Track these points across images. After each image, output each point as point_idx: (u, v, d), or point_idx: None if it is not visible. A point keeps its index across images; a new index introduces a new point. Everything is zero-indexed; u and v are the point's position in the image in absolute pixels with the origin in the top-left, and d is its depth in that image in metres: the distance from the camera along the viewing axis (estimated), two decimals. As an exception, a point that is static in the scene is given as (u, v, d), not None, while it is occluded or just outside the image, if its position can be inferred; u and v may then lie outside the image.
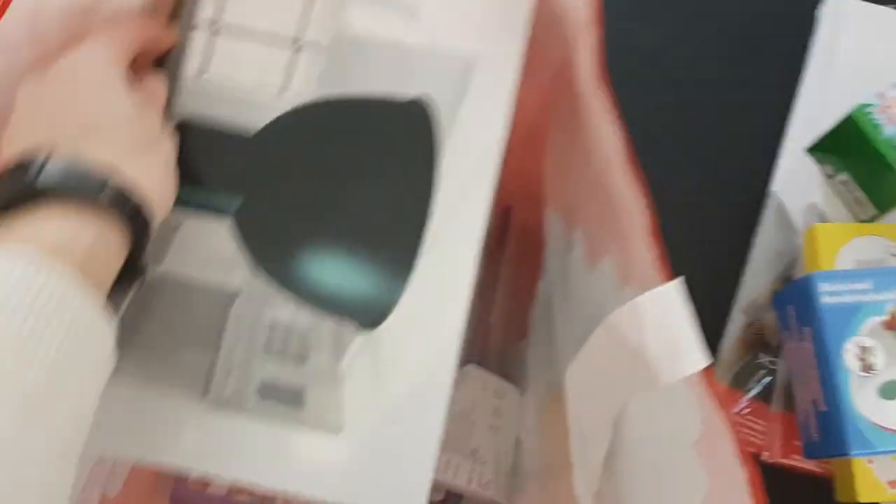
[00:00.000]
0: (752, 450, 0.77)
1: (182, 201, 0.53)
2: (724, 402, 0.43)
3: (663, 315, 0.44)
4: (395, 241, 0.53)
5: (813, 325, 0.73)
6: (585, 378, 0.55)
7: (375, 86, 0.55)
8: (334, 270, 0.53)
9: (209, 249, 0.53)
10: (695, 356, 0.42)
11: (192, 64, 0.56)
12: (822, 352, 0.72)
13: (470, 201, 0.54)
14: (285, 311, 0.52)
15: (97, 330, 0.42)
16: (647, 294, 0.44)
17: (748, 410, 0.79)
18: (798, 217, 0.83)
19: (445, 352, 0.52)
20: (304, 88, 0.55)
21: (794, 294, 0.77)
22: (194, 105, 0.55)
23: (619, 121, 0.50)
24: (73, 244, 0.42)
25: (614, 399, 0.53)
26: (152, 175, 0.48)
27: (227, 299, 0.52)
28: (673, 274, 0.45)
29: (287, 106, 0.55)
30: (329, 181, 0.54)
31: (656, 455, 0.52)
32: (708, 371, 0.43)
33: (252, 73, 0.55)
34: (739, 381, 0.80)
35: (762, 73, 0.89)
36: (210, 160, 0.54)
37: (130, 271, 0.47)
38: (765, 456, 0.77)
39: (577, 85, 0.57)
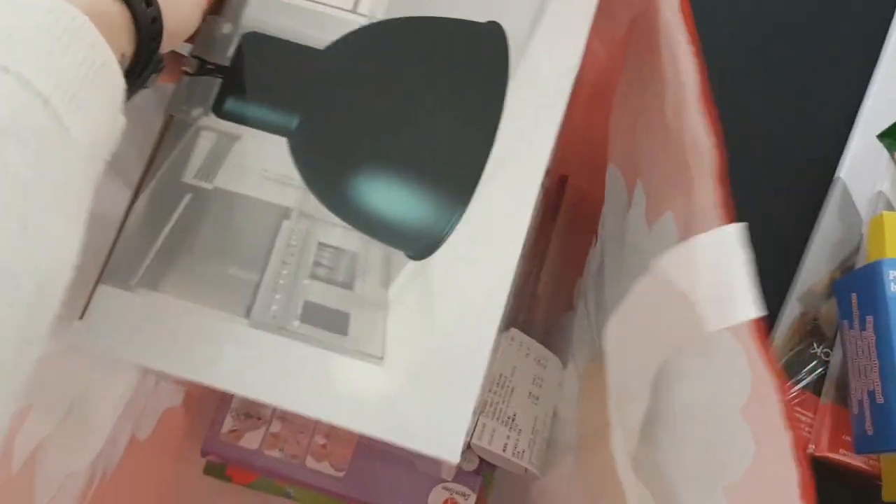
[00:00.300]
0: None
1: (240, 116, 0.52)
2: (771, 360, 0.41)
3: (719, 258, 0.42)
4: (455, 169, 0.51)
5: (877, 314, 0.71)
6: (627, 332, 0.54)
7: (448, 7, 0.53)
8: (388, 196, 0.51)
9: (263, 167, 0.52)
10: (749, 304, 0.40)
11: None
12: (884, 341, 0.69)
13: (535, 135, 0.52)
14: (336, 232, 0.51)
15: (114, 71, 0.41)
16: (704, 234, 0.43)
17: (797, 401, 0.77)
18: (863, 205, 0.80)
19: (496, 288, 0.50)
20: (374, 7, 0.54)
21: (859, 281, 0.74)
22: (261, 18, 0.54)
23: (699, 53, 0.48)
24: (95, 17, 0.41)
25: (655, 354, 0.52)
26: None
27: (278, 218, 0.51)
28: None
29: (356, 24, 0.54)
30: (390, 104, 0.52)
31: (701, 422, 0.50)
32: (760, 325, 0.41)
33: None
34: (790, 371, 0.77)
35: (838, 53, 0.87)
36: (273, 75, 0.53)
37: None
38: (811, 449, 0.75)
39: (659, 18, 0.54)
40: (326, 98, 0.52)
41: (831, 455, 0.74)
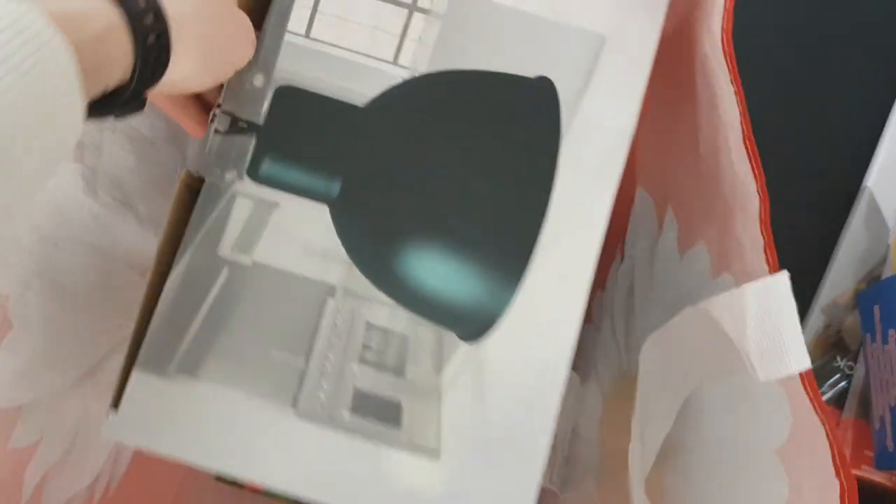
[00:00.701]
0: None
1: (277, 181, 0.49)
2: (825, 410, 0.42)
3: (767, 308, 0.41)
4: (508, 240, 0.48)
5: None
6: (662, 356, 0.53)
7: (494, 59, 0.50)
8: (438, 271, 0.48)
9: (305, 238, 0.48)
10: (798, 357, 0.40)
11: (296, 20, 0.50)
12: (906, 356, 0.67)
13: (590, 202, 0.49)
14: (383, 312, 0.48)
15: (68, 80, 0.34)
16: (752, 284, 0.41)
17: None
18: (891, 215, 0.78)
19: (554, 368, 0.48)
20: (417, 58, 0.50)
21: (882, 294, 0.73)
22: (294, 69, 0.50)
23: (741, 93, 0.46)
24: (78, 30, 0.35)
25: (687, 383, 0.51)
26: (204, 31, 0.43)
27: (323, 296, 0.48)
28: (780, 265, 0.43)
29: (398, 77, 0.50)
30: (437, 167, 0.49)
31: (734, 458, 0.50)
32: (809, 375, 0.41)
33: (360, 38, 0.50)
34: None
35: (866, 62, 0.84)
36: (310, 135, 0.49)
37: (116, 97, 0.40)
38: None
39: (698, 51, 0.53)
40: (369, 161, 0.49)
41: (853, 471, 0.73)
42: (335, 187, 0.48)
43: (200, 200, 0.49)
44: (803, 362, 0.40)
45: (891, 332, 0.70)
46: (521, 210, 0.48)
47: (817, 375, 0.75)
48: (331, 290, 0.48)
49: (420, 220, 0.48)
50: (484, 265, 0.48)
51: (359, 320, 0.48)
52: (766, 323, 0.41)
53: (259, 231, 0.48)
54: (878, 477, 0.73)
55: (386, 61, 0.50)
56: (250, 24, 0.47)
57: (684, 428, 0.54)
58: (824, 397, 0.75)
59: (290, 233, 0.48)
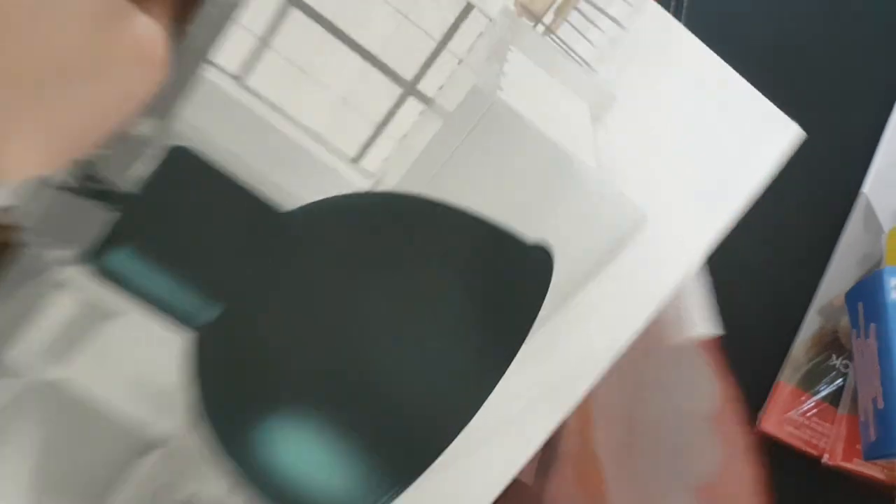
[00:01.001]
0: (813, 452, 0.77)
1: (129, 281, 0.34)
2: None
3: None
4: (413, 442, 0.35)
5: (879, 322, 0.72)
6: None
7: (495, 193, 0.36)
8: (313, 456, 0.35)
9: (141, 370, 0.35)
10: (702, 323, 0.42)
11: (230, 51, 0.33)
12: (885, 348, 0.71)
13: (529, 421, 0.38)
14: (212, 490, 0.36)
15: None
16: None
17: (814, 412, 0.77)
18: (887, 220, 0.81)
19: None
20: (388, 165, 0.35)
21: (865, 290, 0.75)
22: (209, 125, 0.34)
23: None
24: None
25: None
26: (55, 119, 0.27)
27: (138, 449, 0.35)
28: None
29: (351, 184, 0.35)
30: (364, 326, 0.34)
31: (675, 428, 0.53)
32: (716, 342, 0.46)
33: (320, 107, 0.34)
34: (809, 382, 0.79)
35: (864, 67, 0.84)
36: (203, 230, 0.34)
37: None
38: (825, 459, 0.76)
39: None
40: (271, 289, 0.34)
41: (845, 464, 0.76)
42: (210, 313, 0.34)
43: (11, 272, 0.33)
44: (704, 329, 0.46)
45: (872, 326, 0.74)
46: (444, 409, 0.36)
47: (815, 373, 0.79)
48: (150, 446, 0.36)
49: (314, 388, 0.35)
50: (370, 462, 0.36)
51: (178, 489, 0.36)
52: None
53: (80, 342, 0.35)
54: (872, 471, 0.75)
55: (344, 156, 0.35)
56: (156, 42, 0.29)
57: (631, 406, 0.54)
58: (821, 395, 0.78)
59: (122, 356, 0.35)
